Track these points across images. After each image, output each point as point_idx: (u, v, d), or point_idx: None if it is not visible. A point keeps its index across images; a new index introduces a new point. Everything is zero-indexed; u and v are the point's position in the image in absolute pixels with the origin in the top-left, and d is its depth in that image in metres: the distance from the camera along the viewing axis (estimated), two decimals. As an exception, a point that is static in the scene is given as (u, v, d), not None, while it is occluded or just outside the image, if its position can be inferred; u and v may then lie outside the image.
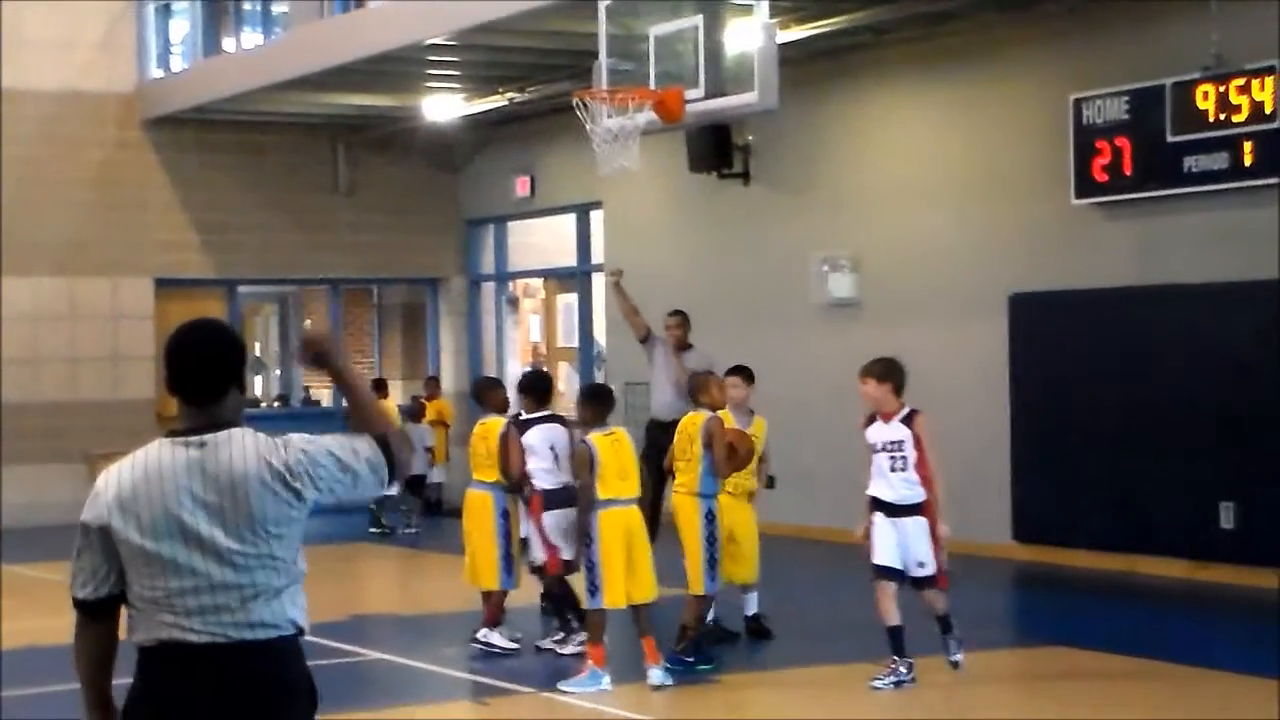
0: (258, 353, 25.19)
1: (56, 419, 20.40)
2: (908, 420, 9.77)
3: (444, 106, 19.86)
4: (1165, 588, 13.67)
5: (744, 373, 11.56)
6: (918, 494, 9.73)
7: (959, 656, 9.86)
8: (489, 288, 22.79)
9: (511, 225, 22.58)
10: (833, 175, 17.33)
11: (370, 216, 22.18)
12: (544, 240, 22.41)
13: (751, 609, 11.53)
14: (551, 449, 11.04)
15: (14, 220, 20.12)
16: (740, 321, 18.04)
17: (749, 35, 12.52)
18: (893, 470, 9.76)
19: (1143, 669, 10.44)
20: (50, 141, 20.49)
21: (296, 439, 4.36)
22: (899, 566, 9.75)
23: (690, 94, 12.68)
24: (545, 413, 11.28)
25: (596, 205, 20.41)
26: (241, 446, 4.32)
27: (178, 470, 4.30)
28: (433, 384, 21.14)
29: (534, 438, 11.05)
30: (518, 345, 23.07)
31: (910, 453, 9.73)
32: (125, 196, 20.81)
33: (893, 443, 9.76)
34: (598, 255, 20.66)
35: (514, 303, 22.92)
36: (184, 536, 4.25)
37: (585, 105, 12.98)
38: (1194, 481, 13.80)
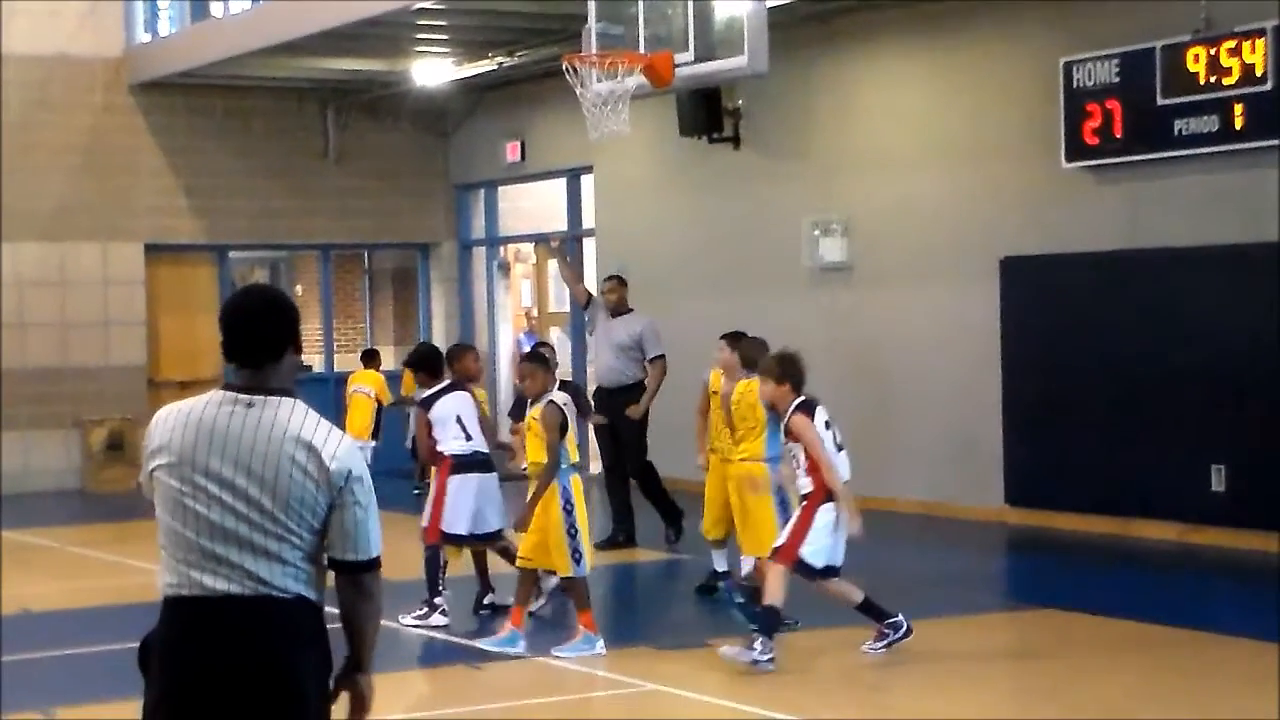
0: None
1: (48, 385, 20.38)
2: (787, 425, 9.70)
3: (434, 71, 19.79)
4: (1157, 551, 13.71)
5: (731, 337, 11.57)
6: (808, 487, 9.60)
7: (733, 652, 9.47)
8: (480, 252, 22.75)
9: (502, 190, 22.54)
10: (823, 139, 17.29)
11: (360, 181, 22.13)
12: (535, 205, 22.37)
13: (722, 565, 11.59)
14: (458, 418, 11.11)
15: (3, 185, 20.04)
16: (731, 285, 18.04)
17: (739, -1, 12.48)
18: (795, 468, 9.73)
19: (1135, 632, 10.47)
20: (38, 107, 20.41)
21: (362, 473, 4.47)
22: (828, 563, 9.70)
23: (680, 58, 12.65)
24: (445, 384, 11.32)
25: (587, 169, 20.37)
26: (287, 416, 4.44)
27: (218, 424, 4.43)
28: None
29: (438, 410, 11.12)
30: (509, 310, 23.05)
31: (799, 453, 9.62)
32: (114, 162, 20.75)
33: (787, 444, 9.80)
34: (589, 220, 20.64)
35: (505, 268, 22.89)
36: (209, 489, 4.39)
37: (575, 69, 12.95)
38: (1185, 444, 13.82)
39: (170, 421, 4.49)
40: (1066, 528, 14.73)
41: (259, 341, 4.49)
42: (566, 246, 15.39)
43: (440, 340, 22.23)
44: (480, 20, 17.77)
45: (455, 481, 11.01)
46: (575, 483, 10.06)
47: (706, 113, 17.75)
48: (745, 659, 9.36)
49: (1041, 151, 14.86)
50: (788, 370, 9.77)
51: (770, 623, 9.46)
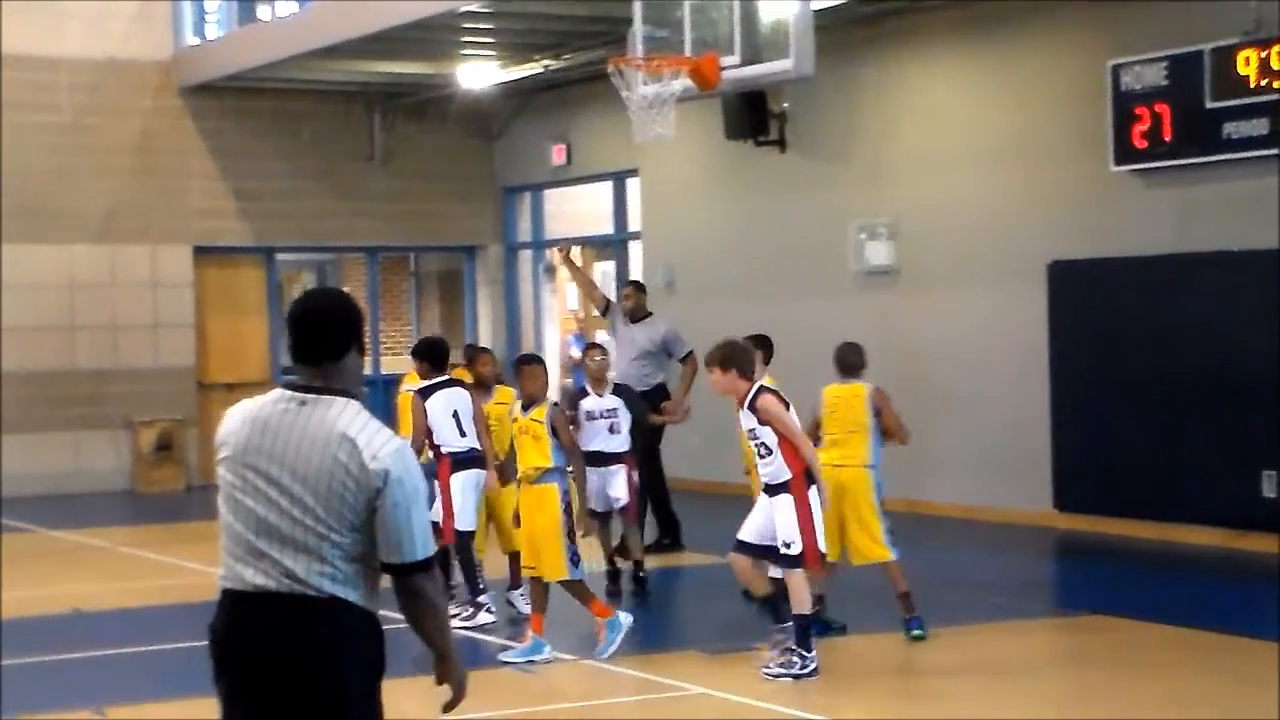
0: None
1: (98, 386, 20.54)
2: (753, 405, 9.43)
3: (480, 74, 19.85)
4: (1206, 556, 13.63)
5: (751, 340, 11.39)
6: (784, 473, 9.38)
7: (775, 671, 9.32)
8: (526, 255, 22.80)
9: (548, 193, 22.58)
10: (869, 142, 17.27)
11: (407, 184, 22.22)
12: (581, 208, 22.42)
13: (776, 571, 11.57)
14: (454, 414, 11.14)
15: (54, 188, 20.22)
16: (777, 289, 18.03)
17: (784, 1, 12.47)
18: (760, 457, 9.48)
19: (1183, 638, 10.42)
20: (89, 110, 20.57)
21: (403, 474, 4.46)
22: (753, 541, 9.51)
23: (726, 61, 12.66)
24: (444, 378, 11.35)
25: (633, 173, 20.40)
26: (336, 415, 4.48)
27: (271, 421, 4.51)
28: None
29: (434, 404, 11.16)
30: (555, 313, 23.09)
31: (768, 437, 9.38)
32: (163, 164, 20.89)
33: (749, 430, 9.50)
34: (634, 223, 20.66)
35: (551, 270, 22.93)
36: (256, 484, 4.47)
37: (621, 72, 12.98)
38: (1235, 450, 13.74)
39: (236, 418, 4.60)
40: (1115, 533, 14.66)
41: (319, 341, 4.56)
42: (573, 252, 15.38)
43: (486, 343, 22.32)
44: (526, 23, 17.81)
45: (458, 479, 11.07)
46: (572, 485, 10.09)
47: (752, 116, 17.74)
48: (788, 674, 9.31)
49: (1089, 155, 14.80)
50: (729, 357, 9.51)
51: (806, 636, 9.38)
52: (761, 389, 9.48)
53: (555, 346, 22.73)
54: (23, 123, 20.10)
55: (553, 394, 21.56)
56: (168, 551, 15.13)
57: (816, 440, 10.47)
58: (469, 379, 12.05)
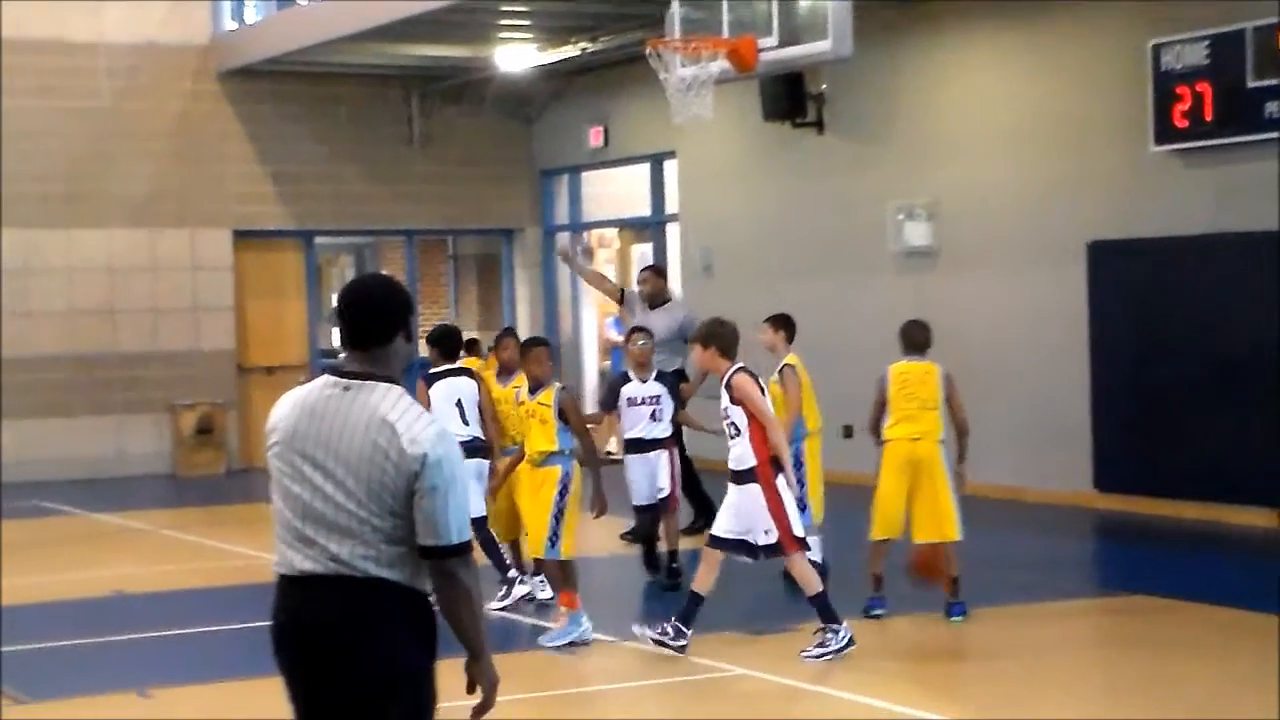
0: (335, 303, 25.40)
1: (138, 370, 20.66)
2: (728, 385, 9.39)
3: (517, 57, 19.86)
4: (1247, 537, 13.58)
5: (773, 320, 11.38)
6: (749, 459, 9.33)
7: (814, 653, 9.31)
8: (564, 238, 22.80)
9: (586, 175, 22.58)
10: (908, 123, 17.21)
11: (445, 167, 22.26)
12: (618, 190, 22.41)
13: (817, 555, 11.57)
14: (458, 403, 11.13)
15: (93, 172, 20.33)
16: (815, 270, 18.01)
17: (823, -18, 12.45)
18: (730, 438, 9.42)
19: (1224, 619, 10.39)
20: (128, 94, 20.66)
21: (442, 458, 4.47)
22: (726, 535, 9.47)
23: (764, 42, 12.65)
24: (451, 366, 11.35)
25: (670, 155, 20.38)
26: (378, 401, 4.51)
27: (317, 408, 4.55)
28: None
29: (438, 390, 11.15)
30: (593, 296, 23.08)
31: (739, 417, 9.33)
32: (202, 148, 20.98)
33: (723, 409, 9.44)
34: (672, 205, 20.66)
35: (589, 253, 22.92)
36: (303, 470, 4.51)
37: (659, 54, 12.98)
38: (1275, 430, 13.67)
39: (285, 405, 4.65)
40: (1155, 513, 14.62)
41: (368, 327, 4.59)
42: (572, 246, 15.36)
43: (524, 326, 22.37)
44: (564, 6, 17.81)
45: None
46: (576, 469, 10.10)
47: (790, 97, 17.71)
48: (826, 652, 9.32)
49: (1130, 135, 14.74)
50: (710, 335, 9.50)
51: (828, 611, 9.39)
52: (740, 369, 9.45)
53: (593, 329, 22.73)
54: (62, 107, 20.22)
55: (590, 376, 21.76)
56: (208, 534, 15.22)
57: (884, 418, 10.46)
58: (495, 363, 12.07)
